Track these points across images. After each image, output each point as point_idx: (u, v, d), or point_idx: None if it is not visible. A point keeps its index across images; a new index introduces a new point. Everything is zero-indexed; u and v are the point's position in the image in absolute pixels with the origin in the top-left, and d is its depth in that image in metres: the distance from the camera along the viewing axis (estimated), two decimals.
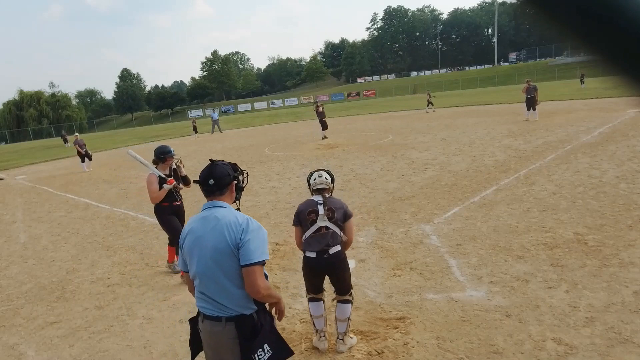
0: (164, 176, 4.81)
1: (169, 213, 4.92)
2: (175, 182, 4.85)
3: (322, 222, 3.16)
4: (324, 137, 17.47)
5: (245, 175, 2.59)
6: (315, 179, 3.37)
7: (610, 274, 4.00)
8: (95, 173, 15.27)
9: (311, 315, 3.34)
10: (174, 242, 5.00)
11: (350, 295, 3.32)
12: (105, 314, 4.35)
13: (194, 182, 2.53)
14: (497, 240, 5.13)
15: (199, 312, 2.25)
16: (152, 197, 4.79)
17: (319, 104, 18.78)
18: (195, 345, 2.32)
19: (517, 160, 9.54)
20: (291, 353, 2.27)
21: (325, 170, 3.44)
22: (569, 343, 3.06)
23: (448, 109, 27.46)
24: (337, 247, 3.16)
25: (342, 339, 3.28)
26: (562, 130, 13.21)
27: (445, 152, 11.48)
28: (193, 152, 18.90)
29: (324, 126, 17.75)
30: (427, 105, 26.89)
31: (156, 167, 4.85)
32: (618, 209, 5.70)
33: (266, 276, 2.22)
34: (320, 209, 3.18)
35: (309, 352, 3.29)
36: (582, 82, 38.01)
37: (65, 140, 34.88)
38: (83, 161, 15.99)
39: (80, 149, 15.80)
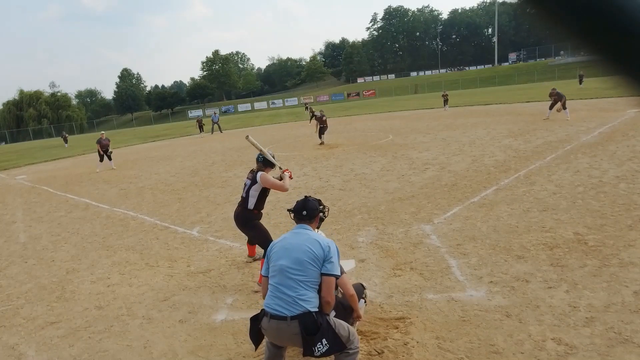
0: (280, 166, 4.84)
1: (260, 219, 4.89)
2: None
3: None
4: (321, 143, 16.22)
5: (327, 209, 3.28)
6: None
7: (610, 274, 4.00)
8: (96, 173, 15.28)
9: None
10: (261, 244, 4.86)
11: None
12: (105, 314, 4.35)
13: (288, 210, 3.15)
14: (497, 240, 5.13)
15: (263, 312, 2.67)
16: (285, 188, 4.67)
17: (310, 107, 18.24)
18: (256, 338, 2.76)
19: (517, 160, 9.54)
20: (344, 347, 2.65)
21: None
22: (569, 343, 3.06)
23: (448, 109, 27.48)
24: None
25: None
26: (562, 130, 13.21)
27: (445, 152, 11.48)
28: (193, 152, 18.91)
29: (322, 132, 16.32)
30: (445, 104, 28.11)
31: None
32: (618, 209, 5.70)
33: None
34: None
35: None
36: (580, 82, 38.00)
37: (66, 141, 34.90)
38: (101, 160, 15.71)
39: (100, 149, 15.56)
